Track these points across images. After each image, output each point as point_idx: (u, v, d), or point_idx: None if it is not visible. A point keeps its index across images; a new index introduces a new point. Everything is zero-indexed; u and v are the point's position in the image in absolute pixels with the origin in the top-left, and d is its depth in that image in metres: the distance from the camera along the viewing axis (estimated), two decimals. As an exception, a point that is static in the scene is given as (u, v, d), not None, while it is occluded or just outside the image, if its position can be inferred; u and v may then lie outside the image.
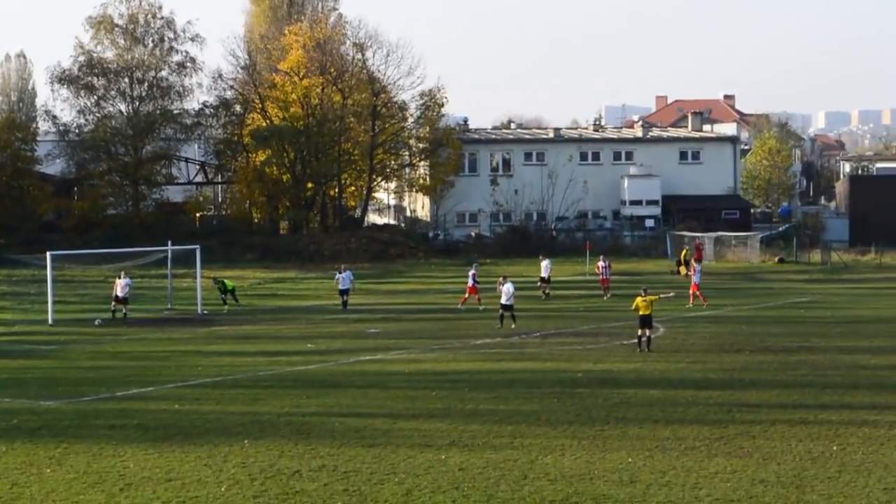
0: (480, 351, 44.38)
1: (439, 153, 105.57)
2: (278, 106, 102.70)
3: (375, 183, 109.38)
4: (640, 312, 43.49)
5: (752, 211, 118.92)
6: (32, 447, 27.76)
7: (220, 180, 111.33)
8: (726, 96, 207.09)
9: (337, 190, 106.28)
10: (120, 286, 56.58)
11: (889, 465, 25.52)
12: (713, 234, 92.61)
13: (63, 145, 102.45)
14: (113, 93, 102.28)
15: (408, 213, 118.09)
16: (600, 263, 67.53)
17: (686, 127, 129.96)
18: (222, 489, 23.82)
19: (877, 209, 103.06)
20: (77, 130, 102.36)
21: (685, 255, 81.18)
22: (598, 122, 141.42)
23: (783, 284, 74.86)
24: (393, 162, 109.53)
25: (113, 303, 56.77)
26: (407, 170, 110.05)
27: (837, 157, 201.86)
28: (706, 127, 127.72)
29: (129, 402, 34.08)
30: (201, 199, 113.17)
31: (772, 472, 24.95)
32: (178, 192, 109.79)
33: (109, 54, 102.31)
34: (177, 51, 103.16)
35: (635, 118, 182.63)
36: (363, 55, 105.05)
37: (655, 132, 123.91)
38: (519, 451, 26.93)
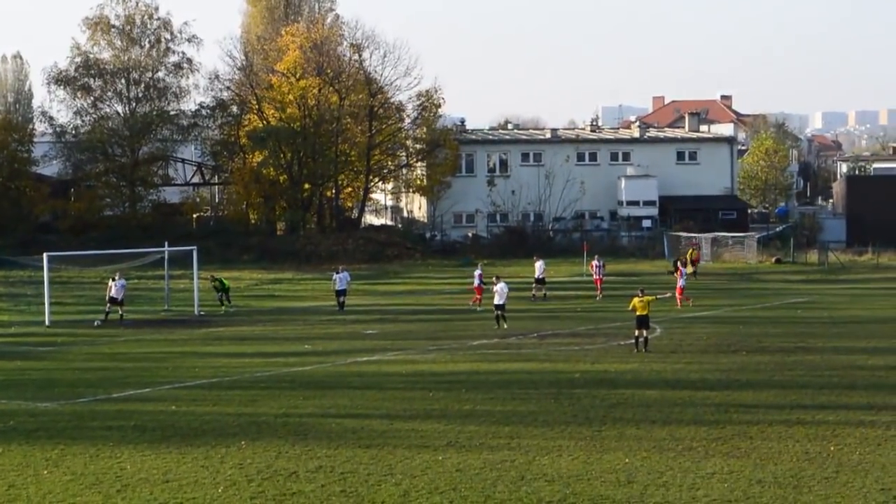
0: (477, 352, 44.37)
1: (436, 154, 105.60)
2: (275, 107, 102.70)
3: (372, 184, 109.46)
4: (637, 313, 43.51)
5: (749, 211, 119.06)
6: (29, 449, 27.74)
7: (216, 181, 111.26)
8: (723, 97, 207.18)
9: (334, 191, 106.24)
10: (115, 287, 56.44)
11: (886, 466, 25.53)
12: (710, 235, 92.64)
13: (60, 146, 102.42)
14: (109, 94, 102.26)
15: (405, 214, 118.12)
16: (594, 263, 67.49)
17: (683, 127, 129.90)
18: (219, 490, 23.81)
19: (874, 209, 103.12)
20: (74, 131, 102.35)
21: (691, 255, 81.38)
22: (595, 123, 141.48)
23: (780, 285, 74.87)
24: (390, 163, 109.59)
25: (108, 304, 56.62)
26: (404, 170, 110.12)
27: (834, 158, 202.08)
28: (703, 127, 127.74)
29: (126, 403, 34.08)
30: (198, 200, 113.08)
31: (769, 472, 24.95)
32: (174, 194, 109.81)
33: (106, 55, 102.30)
34: (173, 52, 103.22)
35: (632, 119, 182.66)
36: (360, 56, 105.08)
37: (652, 133, 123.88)
38: (516, 452, 26.92)
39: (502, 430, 29.46)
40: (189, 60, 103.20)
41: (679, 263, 67.69)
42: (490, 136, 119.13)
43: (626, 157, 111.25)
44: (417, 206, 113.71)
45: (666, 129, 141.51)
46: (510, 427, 29.78)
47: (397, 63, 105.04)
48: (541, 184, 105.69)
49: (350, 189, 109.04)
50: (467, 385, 36.21)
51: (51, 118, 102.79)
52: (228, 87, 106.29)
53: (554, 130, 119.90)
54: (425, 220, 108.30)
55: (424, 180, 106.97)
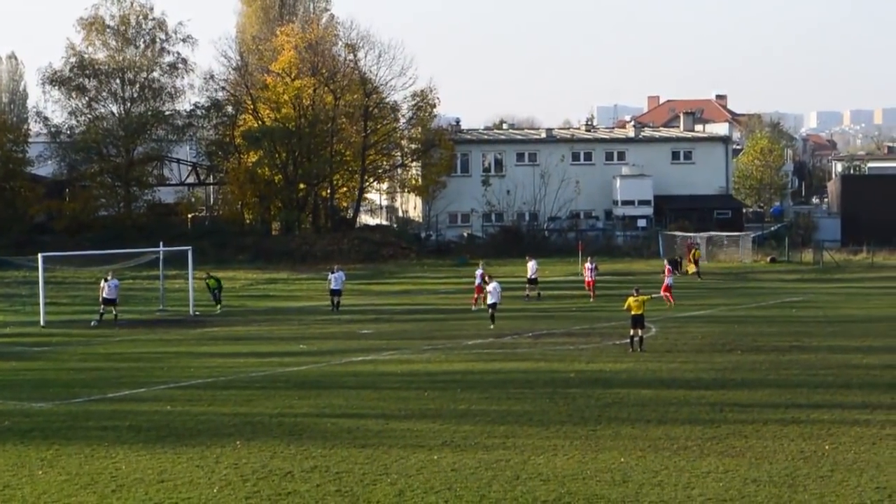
0: (472, 351, 44.36)
1: (431, 154, 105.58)
2: (270, 107, 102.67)
3: (367, 183, 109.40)
4: (632, 312, 43.53)
5: (744, 211, 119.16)
6: (24, 449, 27.71)
7: (211, 181, 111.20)
8: (718, 96, 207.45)
9: (329, 191, 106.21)
10: (107, 288, 56.31)
11: (881, 464, 25.55)
12: (705, 234, 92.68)
13: (54, 147, 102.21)
14: (104, 94, 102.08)
15: (400, 214, 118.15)
16: (587, 265, 67.16)
17: (678, 127, 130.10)
18: (214, 490, 23.79)
19: (868, 209, 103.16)
20: (68, 132, 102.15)
21: (695, 255, 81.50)
22: (590, 123, 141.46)
23: (775, 284, 74.91)
24: (385, 162, 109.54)
25: (101, 305, 56.50)
26: (399, 170, 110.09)
27: (829, 157, 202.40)
28: (698, 127, 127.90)
29: (121, 403, 34.05)
30: (193, 200, 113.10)
31: (764, 471, 24.96)
32: (169, 194, 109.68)
33: (101, 55, 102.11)
34: (168, 52, 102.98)
35: (627, 118, 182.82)
36: (355, 56, 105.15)
37: (647, 132, 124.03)
38: (511, 452, 26.92)
39: (497, 429, 29.46)
40: (184, 60, 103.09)
41: (668, 263, 67.72)
42: (485, 136, 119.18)
43: (622, 156, 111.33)
44: (412, 206, 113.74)
45: (661, 128, 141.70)
46: (505, 426, 29.77)
47: (392, 63, 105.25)
48: (536, 183, 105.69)
49: (345, 189, 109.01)
50: (462, 385, 36.20)
51: (45, 118, 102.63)
52: (223, 88, 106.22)
53: (549, 130, 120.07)
54: (420, 220, 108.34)
55: (419, 180, 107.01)
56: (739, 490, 23.45)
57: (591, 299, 63.92)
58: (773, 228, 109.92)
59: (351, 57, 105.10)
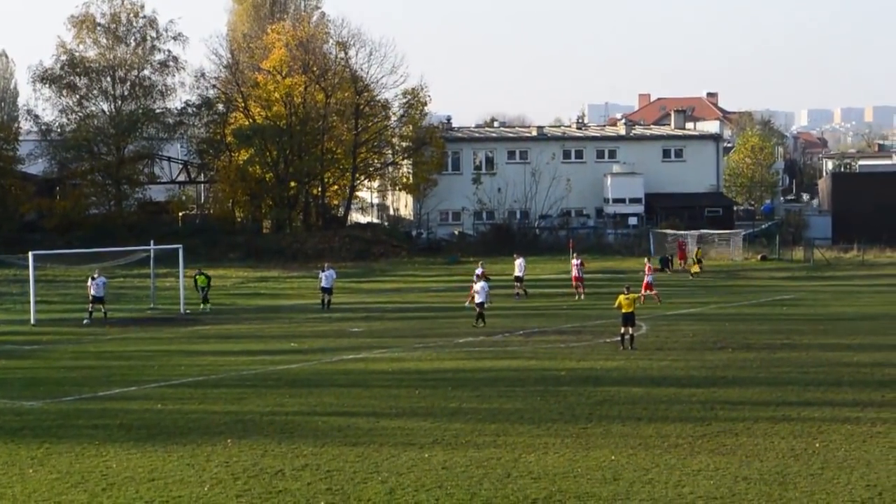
0: (463, 349, 44.36)
1: (422, 152, 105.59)
2: (261, 105, 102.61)
3: (358, 181, 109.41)
4: (623, 310, 43.55)
5: (734, 208, 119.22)
6: (14, 447, 27.67)
7: (202, 179, 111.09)
8: (709, 94, 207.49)
9: (320, 189, 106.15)
10: (94, 286, 56.19)
11: (871, 462, 25.58)
12: (696, 232, 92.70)
13: (45, 145, 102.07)
14: (95, 92, 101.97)
15: (391, 212, 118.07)
16: (574, 261, 67.04)
17: (669, 125, 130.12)
18: (205, 489, 23.77)
19: (859, 206, 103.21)
20: (59, 130, 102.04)
21: (698, 254, 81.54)
22: (581, 121, 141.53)
23: (766, 282, 74.99)
24: (376, 160, 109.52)
25: (90, 304, 56.38)
26: (390, 168, 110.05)
27: (820, 155, 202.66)
28: (689, 125, 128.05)
29: (112, 401, 34.01)
30: (184, 198, 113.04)
31: (755, 469, 24.99)
32: (160, 192, 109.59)
33: (91, 53, 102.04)
34: (159, 50, 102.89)
35: (618, 116, 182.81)
36: (346, 54, 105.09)
37: (638, 130, 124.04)
38: (502, 450, 26.92)
39: (488, 427, 29.46)
40: (175, 58, 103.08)
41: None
42: (476, 134, 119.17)
43: (613, 154, 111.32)
44: (404, 204, 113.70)
45: (652, 126, 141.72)
46: (496, 424, 29.77)
47: (383, 61, 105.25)
48: (527, 181, 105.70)
49: (336, 187, 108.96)
50: (453, 383, 36.20)
51: (36, 116, 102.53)
52: (214, 86, 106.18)
53: (540, 128, 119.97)
54: (411, 218, 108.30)
55: (411, 178, 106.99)
56: (730, 488, 23.47)
57: (577, 297, 63.69)
58: (763, 226, 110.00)
59: (342, 55, 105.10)
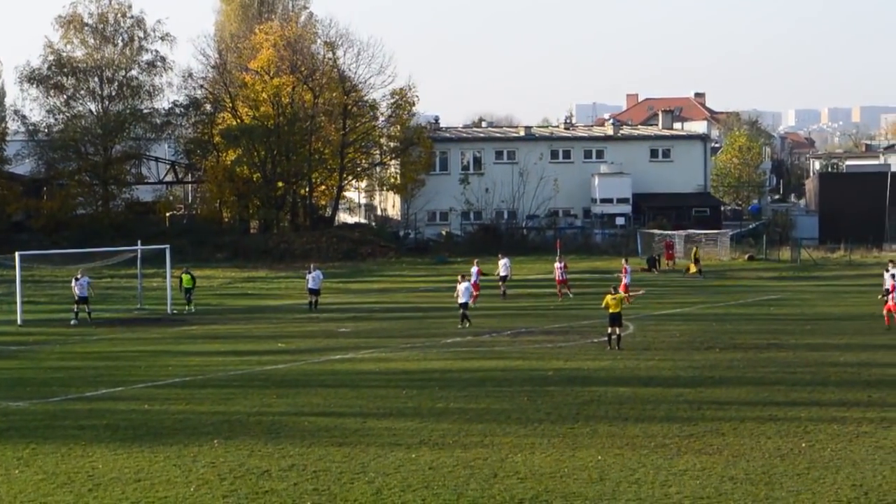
0: (451, 350, 44.35)
1: (410, 152, 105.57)
2: (249, 105, 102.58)
3: (346, 182, 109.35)
4: (610, 310, 43.56)
5: (722, 209, 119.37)
6: (1, 448, 27.60)
7: (190, 180, 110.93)
8: (697, 94, 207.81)
9: (307, 189, 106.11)
10: (78, 286, 55.99)
11: (857, 462, 25.63)
12: (683, 232, 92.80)
13: (32, 145, 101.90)
14: (82, 92, 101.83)
15: (378, 212, 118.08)
16: (557, 264, 66.86)
17: (657, 125, 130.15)
18: (191, 489, 23.75)
19: (846, 206, 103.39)
20: (46, 130, 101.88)
21: (696, 254, 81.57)
22: (568, 121, 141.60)
23: (753, 282, 75.09)
24: (364, 161, 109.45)
25: (76, 304, 56.18)
26: (378, 168, 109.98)
27: (807, 155, 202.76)
28: (677, 125, 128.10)
29: (99, 402, 33.97)
30: (171, 198, 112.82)
31: (741, 468, 25.02)
32: (148, 192, 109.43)
33: (79, 53, 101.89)
34: (147, 50, 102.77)
35: (606, 116, 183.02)
36: (334, 54, 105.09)
37: (626, 130, 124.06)
38: (489, 450, 26.93)
39: (475, 427, 29.46)
40: (162, 59, 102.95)
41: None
42: (464, 134, 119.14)
43: (600, 154, 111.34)
44: (391, 204, 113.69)
45: (639, 126, 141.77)
46: (483, 425, 29.78)
47: (371, 61, 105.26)
48: (514, 182, 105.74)
49: (324, 187, 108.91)
50: (441, 383, 36.21)
51: (23, 116, 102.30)
52: (202, 86, 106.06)
53: (528, 128, 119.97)
54: (399, 218, 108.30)
55: (398, 178, 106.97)
56: (716, 488, 23.50)
57: (560, 298, 63.61)
58: (751, 226, 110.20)
59: (330, 55, 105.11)
